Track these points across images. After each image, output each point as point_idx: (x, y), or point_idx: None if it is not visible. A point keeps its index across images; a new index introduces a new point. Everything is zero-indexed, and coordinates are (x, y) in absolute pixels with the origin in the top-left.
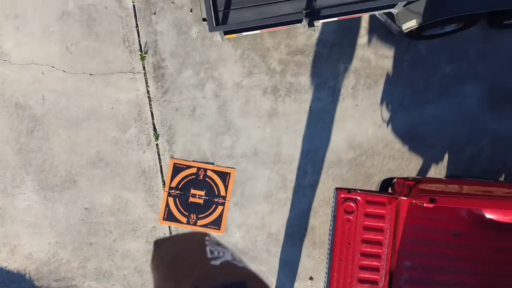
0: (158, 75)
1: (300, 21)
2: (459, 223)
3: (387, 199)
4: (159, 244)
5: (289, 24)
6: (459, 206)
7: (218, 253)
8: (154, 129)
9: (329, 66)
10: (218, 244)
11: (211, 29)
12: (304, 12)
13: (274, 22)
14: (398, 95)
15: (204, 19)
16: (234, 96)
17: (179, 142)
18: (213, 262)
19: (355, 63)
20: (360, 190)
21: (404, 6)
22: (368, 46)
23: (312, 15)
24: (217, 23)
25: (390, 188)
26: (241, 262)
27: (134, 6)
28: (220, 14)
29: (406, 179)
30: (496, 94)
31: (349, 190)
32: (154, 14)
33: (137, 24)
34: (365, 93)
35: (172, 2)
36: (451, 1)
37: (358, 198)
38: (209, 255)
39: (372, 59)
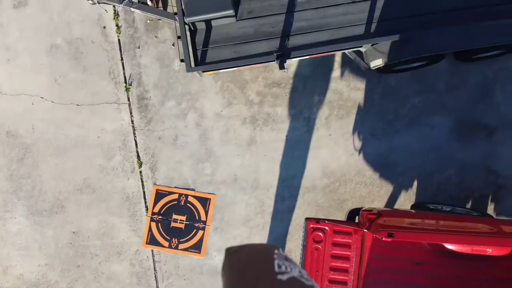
0: (142, 105)
1: (274, 59)
2: (421, 252)
3: (353, 229)
4: (231, 252)
5: (263, 63)
6: (416, 241)
7: (286, 268)
8: (138, 157)
9: (304, 97)
10: (287, 259)
11: (188, 70)
12: (275, 54)
13: (249, 63)
14: (369, 125)
15: (182, 60)
16: (215, 126)
17: (161, 169)
18: (279, 277)
19: (329, 95)
20: (328, 220)
21: (371, 45)
22: (341, 79)
23: (283, 57)
24: (196, 63)
25: (357, 218)
26: (309, 280)
27: (119, 40)
28: (199, 52)
29: (370, 211)
30: (462, 125)
31: (317, 221)
32: (138, 48)
33: (122, 57)
34: (338, 123)
35: (155, 37)
36: (413, 42)
37: (326, 228)
38: (276, 269)
39: (345, 91)
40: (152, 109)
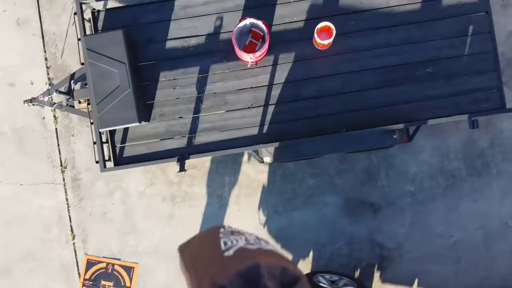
0: (75, 185)
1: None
2: None
3: None
4: (181, 250)
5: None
6: None
7: (232, 242)
8: (72, 230)
9: (217, 178)
10: (232, 233)
11: (102, 171)
12: (176, 157)
13: (157, 163)
14: (272, 202)
15: (97, 162)
16: (138, 203)
17: (91, 241)
18: (226, 253)
19: (238, 176)
20: None
21: None
22: (248, 163)
23: (182, 160)
24: (114, 157)
25: None
26: (255, 244)
27: (56, 129)
28: (117, 149)
29: None
30: (351, 203)
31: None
32: (73, 135)
33: (58, 144)
34: (246, 201)
35: (87, 126)
36: (295, 147)
37: None
38: (222, 247)
39: (251, 173)
40: (84, 188)
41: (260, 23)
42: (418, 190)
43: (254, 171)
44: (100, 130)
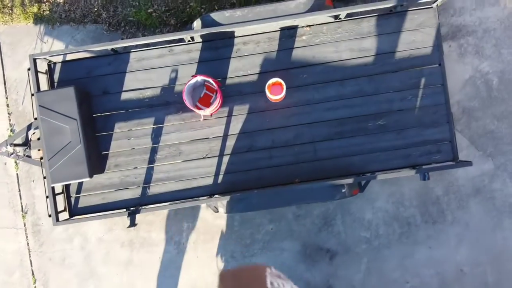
0: (35, 230)
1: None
2: None
3: None
4: (224, 277)
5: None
6: None
7: (278, 285)
8: (33, 274)
9: (175, 224)
10: (279, 276)
11: (54, 224)
12: (126, 212)
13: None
14: (230, 248)
15: (49, 215)
16: (97, 248)
17: (52, 286)
18: None
19: (196, 222)
20: None
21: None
22: (206, 209)
23: (133, 215)
24: (69, 207)
25: None
26: None
27: (17, 174)
28: (72, 199)
29: None
30: (308, 249)
31: None
32: (33, 181)
33: (19, 189)
34: (204, 247)
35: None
36: (247, 200)
37: None
38: (269, 286)
39: (210, 219)
40: (44, 234)
41: (210, 80)
42: (374, 236)
43: (212, 217)
44: (52, 184)
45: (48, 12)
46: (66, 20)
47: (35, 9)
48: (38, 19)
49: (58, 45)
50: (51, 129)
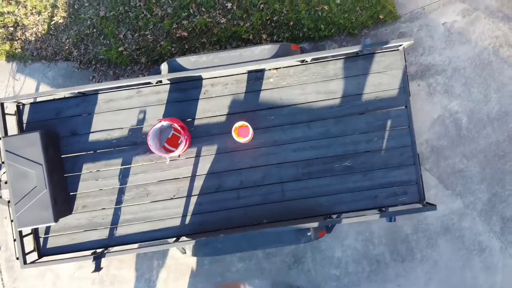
0: (9, 266)
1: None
2: None
3: None
4: None
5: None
6: None
7: None
8: None
9: (146, 262)
10: None
11: (22, 267)
12: (92, 256)
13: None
14: (200, 286)
15: (17, 258)
16: (68, 285)
17: None
18: None
19: (166, 260)
20: None
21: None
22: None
23: (98, 259)
24: (38, 248)
25: None
26: None
27: None
28: (41, 240)
29: None
30: (278, 286)
31: None
32: (6, 218)
33: None
34: (174, 284)
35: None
36: (212, 244)
37: None
38: None
39: (179, 257)
40: (17, 269)
41: (176, 124)
42: (343, 274)
43: (183, 255)
44: (18, 228)
45: (20, 50)
46: (37, 58)
47: (7, 47)
48: (10, 56)
49: (30, 82)
50: (18, 173)
